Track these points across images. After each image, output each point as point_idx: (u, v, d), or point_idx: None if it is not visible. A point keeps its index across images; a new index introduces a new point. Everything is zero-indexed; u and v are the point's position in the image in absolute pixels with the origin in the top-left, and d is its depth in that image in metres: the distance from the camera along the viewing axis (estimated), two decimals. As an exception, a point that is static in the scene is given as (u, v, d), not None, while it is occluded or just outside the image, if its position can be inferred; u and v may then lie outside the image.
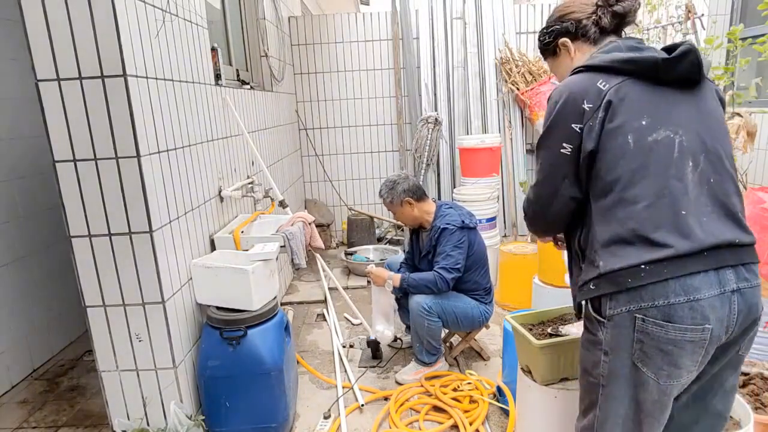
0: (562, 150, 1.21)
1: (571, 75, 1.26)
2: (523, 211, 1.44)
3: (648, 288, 1.11)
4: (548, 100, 1.27)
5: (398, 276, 2.57)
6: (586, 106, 1.17)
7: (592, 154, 1.18)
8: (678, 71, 1.17)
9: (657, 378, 1.14)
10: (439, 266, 2.48)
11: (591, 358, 1.23)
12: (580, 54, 1.35)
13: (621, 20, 1.31)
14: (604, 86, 1.17)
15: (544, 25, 1.42)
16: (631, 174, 1.14)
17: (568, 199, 1.26)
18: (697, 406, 1.28)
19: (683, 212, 1.12)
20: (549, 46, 1.41)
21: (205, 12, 2.52)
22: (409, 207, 2.62)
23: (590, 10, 1.33)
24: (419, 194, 2.64)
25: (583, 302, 1.27)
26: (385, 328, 2.70)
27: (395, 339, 2.93)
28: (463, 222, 2.52)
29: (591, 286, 1.19)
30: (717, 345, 1.14)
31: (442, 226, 2.53)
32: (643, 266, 1.11)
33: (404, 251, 2.98)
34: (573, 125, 1.19)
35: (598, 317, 1.19)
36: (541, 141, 1.29)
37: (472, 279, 2.59)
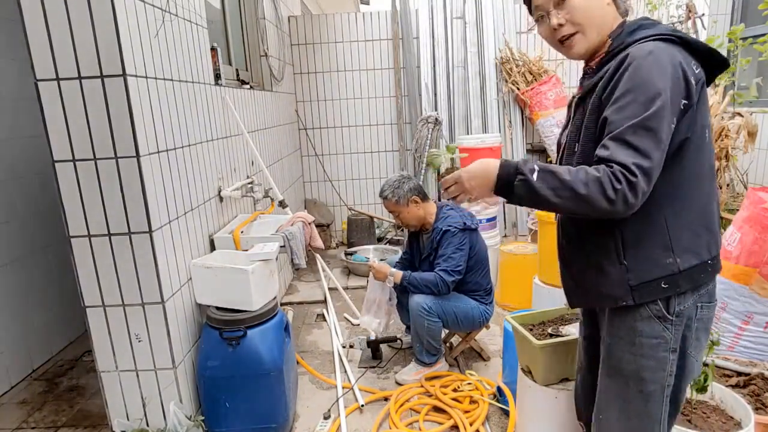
0: (671, 125, 1.06)
1: (657, 42, 1.10)
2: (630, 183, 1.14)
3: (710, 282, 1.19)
4: (643, 60, 1.07)
5: (400, 273, 2.56)
6: (692, 81, 1.07)
7: (683, 137, 1.09)
8: (714, 76, 1.19)
9: (697, 359, 1.21)
10: (441, 268, 2.48)
11: (657, 363, 1.17)
12: (610, 3, 1.20)
13: None
14: (697, 70, 1.10)
15: None
16: (708, 169, 1.15)
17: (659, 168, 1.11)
18: None
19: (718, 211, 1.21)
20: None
21: (204, 12, 2.52)
22: (415, 206, 2.60)
23: None
24: (424, 194, 2.64)
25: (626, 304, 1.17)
26: (372, 320, 2.67)
27: (395, 339, 2.93)
28: (464, 224, 2.52)
29: (663, 285, 1.13)
30: None
31: (444, 228, 2.52)
32: (709, 261, 1.16)
33: (403, 252, 2.97)
34: (682, 101, 1.07)
35: (666, 315, 1.15)
36: (645, 122, 1.05)
37: (473, 280, 2.59)
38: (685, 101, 1.07)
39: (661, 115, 1.03)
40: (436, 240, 2.56)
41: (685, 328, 1.17)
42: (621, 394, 1.23)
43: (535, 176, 1.08)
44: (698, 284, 1.16)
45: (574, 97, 1.28)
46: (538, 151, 5.02)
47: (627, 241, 1.15)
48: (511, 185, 1.10)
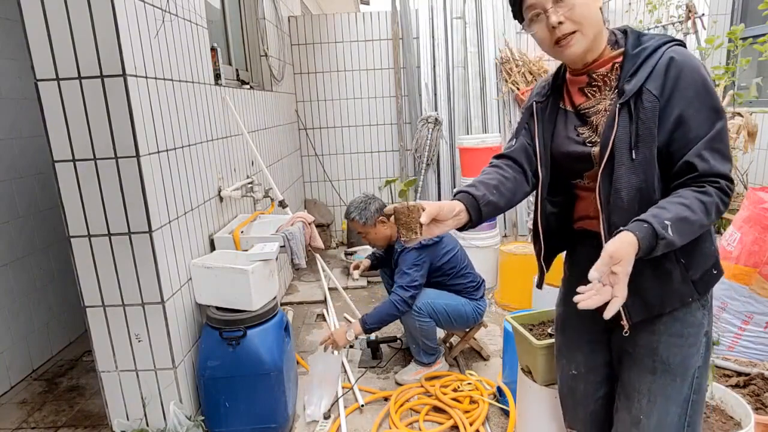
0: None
1: (679, 46, 1.13)
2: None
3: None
4: (698, 65, 1.11)
5: (356, 322, 2.52)
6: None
7: None
8: None
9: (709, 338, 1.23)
10: (396, 285, 2.49)
11: (697, 350, 1.20)
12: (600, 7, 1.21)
13: None
14: None
15: None
16: None
17: None
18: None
19: None
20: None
21: (204, 12, 2.52)
22: (382, 226, 2.61)
23: None
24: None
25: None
26: (317, 407, 2.33)
27: (395, 339, 2.93)
28: (420, 243, 2.49)
29: (714, 271, 1.20)
30: None
31: (399, 249, 2.55)
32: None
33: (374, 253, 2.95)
34: None
35: (707, 302, 1.21)
36: (718, 104, 1.12)
37: (454, 282, 2.60)
38: None
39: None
40: (395, 259, 2.58)
41: (710, 307, 1.23)
42: (669, 387, 1.20)
43: (670, 232, 1.02)
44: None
45: (611, 104, 1.18)
46: (538, 151, 5.02)
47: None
48: (653, 250, 1.03)
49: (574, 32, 1.16)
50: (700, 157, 1.05)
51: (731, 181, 1.06)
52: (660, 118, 1.09)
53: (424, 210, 1.14)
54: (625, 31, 1.22)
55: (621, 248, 1.00)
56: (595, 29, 1.17)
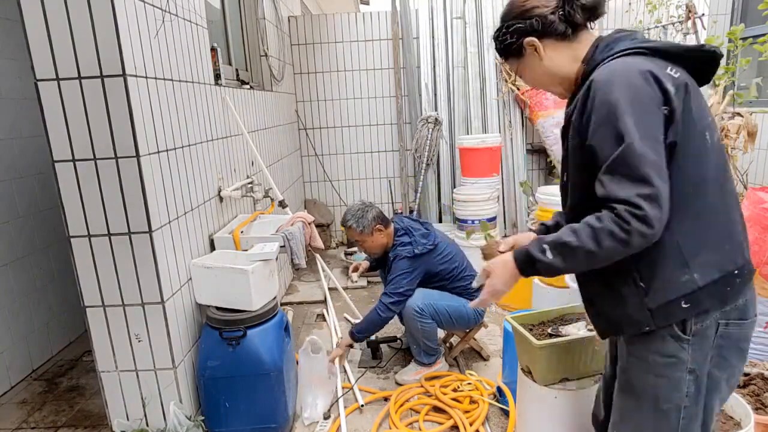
0: (659, 136, 1.03)
1: (623, 57, 1.09)
2: (644, 218, 1.13)
3: (739, 296, 1.11)
4: (606, 83, 1.06)
5: (346, 335, 2.57)
6: (670, 88, 1.03)
7: (673, 146, 1.05)
8: (709, 74, 1.15)
9: (728, 378, 1.14)
10: (383, 292, 2.51)
11: (669, 383, 1.12)
12: (555, 53, 1.20)
13: (591, 14, 1.19)
14: (676, 74, 1.06)
15: (502, 24, 1.25)
16: (712, 177, 1.08)
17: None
18: None
19: (738, 216, 1.15)
20: (511, 47, 1.24)
21: (204, 12, 2.52)
22: (379, 234, 2.59)
23: (554, 4, 1.18)
24: (386, 220, 2.63)
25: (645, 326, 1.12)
26: (315, 410, 2.33)
27: (395, 339, 2.93)
28: (414, 252, 2.50)
29: (683, 305, 1.07)
30: None
31: (392, 257, 2.56)
32: (735, 272, 1.08)
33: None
34: (662, 108, 1.04)
35: (682, 335, 1.09)
36: (626, 114, 1.03)
37: (456, 285, 2.60)
38: (665, 108, 1.03)
39: (642, 134, 1.00)
40: (389, 266, 2.58)
41: (705, 348, 1.10)
42: (635, 410, 1.19)
43: (549, 255, 1.09)
44: (724, 299, 1.08)
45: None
46: (538, 151, 5.02)
47: (642, 262, 1.10)
48: (535, 270, 1.14)
49: (544, 89, 1.29)
50: (599, 182, 1.05)
51: (638, 206, 0.98)
52: (581, 149, 1.11)
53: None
54: (596, 45, 1.18)
55: (494, 264, 1.25)
56: (554, 80, 1.24)
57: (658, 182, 0.99)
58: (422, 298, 2.49)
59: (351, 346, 2.60)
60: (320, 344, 2.50)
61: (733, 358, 1.13)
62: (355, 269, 2.90)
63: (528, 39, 1.20)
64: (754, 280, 1.18)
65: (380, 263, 2.85)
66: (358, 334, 2.53)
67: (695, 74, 1.11)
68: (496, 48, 1.29)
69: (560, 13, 1.17)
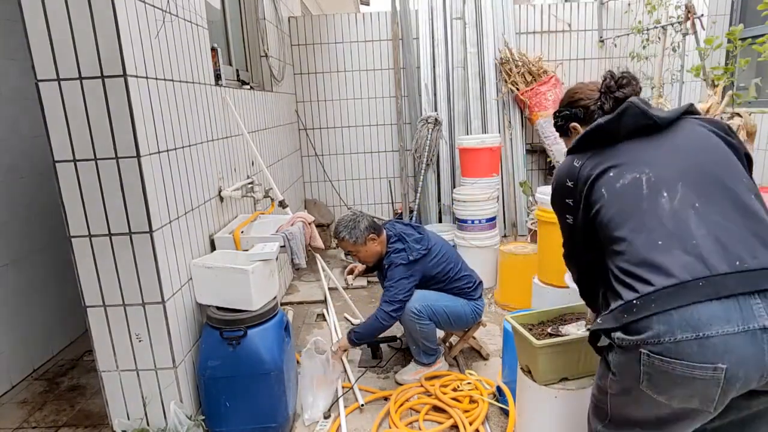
0: (567, 220, 1.40)
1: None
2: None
3: (651, 324, 1.07)
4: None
5: (343, 337, 2.56)
6: (569, 183, 1.34)
7: (590, 219, 1.29)
8: (625, 125, 1.28)
9: (670, 401, 1.10)
10: (382, 299, 2.50)
11: (602, 370, 1.26)
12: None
13: (620, 104, 1.35)
14: (577, 163, 1.33)
15: (557, 108, 1.55)
16: (611, 222, 1.22)
17: (585, 261, 1.41)
18: None
19: (660, 242, 1.12)
20: (563, 128, 1.54)
21: (205, 12, 2.52)
22: (373, 243, 2.57)
23: (596, 97, 1.43)
24: (378, 228, 2.61)
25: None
26: (313, 410, 2.33)
27: (395, 339, 2.93)
28: (408, 259, 2.49)
29: (599, 321, 1.22)
30: (742, 390, 1.05)
31: (386, 264, 2.55)
32: (634, 301, 1.11)
33: None
34: (567, 200, 1.37)
35: (610, 341, 1.19)
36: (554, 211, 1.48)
37: (453, 286, 2.60)
38: (570, 200, 1.36)
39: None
40: (385, 272, 2.58)
41: (629, 365, 1.12)
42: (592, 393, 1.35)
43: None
44: (621, 324, 1.12)
45: None
46: (537, 151, 5.03)
47: (601, 290, 1.36)
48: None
49: None
50: None
51: None
52: None
53: None
54: None
55: None
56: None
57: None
58: (420, 299, 2.49)
59: (346, 349, 2.60)
60: (325, 345, 2.51)
61: (669, 387, 1.08)
62: (351, 272, 2.90)
63: (572, 124, 1.49)
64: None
65: (376, 266, 2.85)
66: (356, 339, 2.52)
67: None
68: (554, 125, 1.58)
69: (599, 103, 1.43)
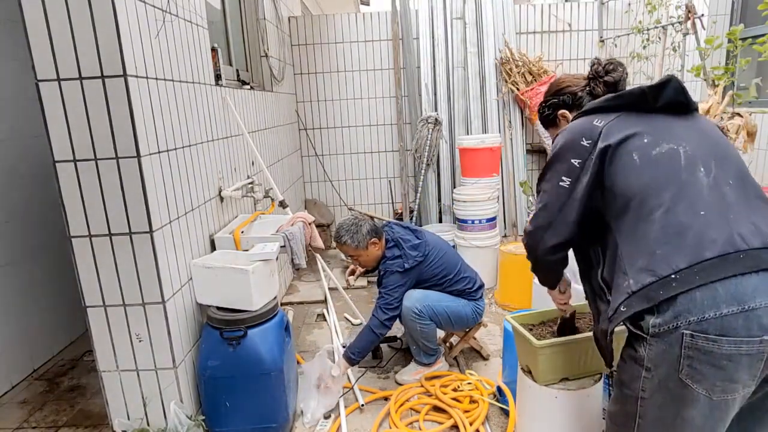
0: (561, 183, 1.30)
1: (571, 122, 1.36)
2: (525, 249, 1.48)
3: (694, 298, 1.04)
4: (552, 143, 1.37)
5: (341, 359, 2.45)
6: (585, 142, 1.26)
7: (598, 183, 1.24)
8: (665, 96, 1.25)
9: (710, 394, 1.07)
10: (375, 306, 2.48)
11: (629, 371, 1.18)
12: None
13: (613, 89, 1.40)
14: (599, 123, 1.27)
15: (543, 100, 1.55)
16: (643, 188, 1.17)
17: (570, 232, 1.31)
18: (745, 424, 1.19)
19: (702, 212, 1.11)
20: (549, 118, 1.54)
21: (205, 12, 2.52)
22: (374, 247, 2.55)
23: (583, 83, 1.47)
24: (379, 232, 2.58)
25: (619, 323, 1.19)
26: (313, 414, 2.33)
27: (395, 339, 2.93)
28: (404, 267, 2.47)
29: (622, 309, 1.14)
30: None
31: (382, 271, 2.54)
32: (673, 275, 1.07)
33: None
34: (572, 160, 1.28)
35: (639, 333, 1.13)
36: (541, 176, 1.38)
37: (453, 288, 2.58)
38: (577, 161, 1.27)
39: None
40: (380, 278, 2.57)
41: (668, 354, 1.08)
42: (615, 393, 1.28)
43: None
44: (657, 302, 1.07)
45: None
46: (538, 151, 5.03)
47: (606, 278, 1.27)
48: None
49: None
50: None
51: None
52: None
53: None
54: None
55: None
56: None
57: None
58: (421, 299, 2.48)
59: (344, 373, 2.49)
60: (334, 353, 2.50)
61: (710, 374, 1.06)
62: (352, 273, 2.88)
63: (561, 111, 1.50)
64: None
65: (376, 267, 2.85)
66: (354, 357, 2.43)
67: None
68: (539, 119, 1.57)
69: (587, 89, 1.45)
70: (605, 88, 1.41)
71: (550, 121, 1.56)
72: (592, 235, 1.31)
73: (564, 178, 1.29)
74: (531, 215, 1.41)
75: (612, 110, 1.29)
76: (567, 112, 1.49)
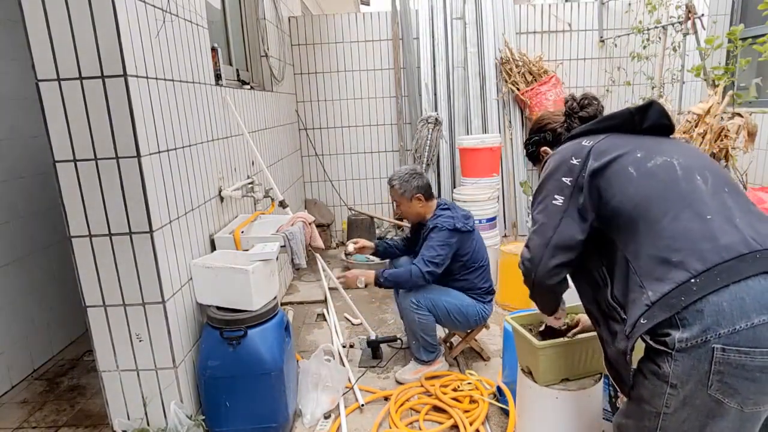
0: (554, 201, 1.31)
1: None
2: (523, 275, 1.47)
3: (722, 309, 1.01)
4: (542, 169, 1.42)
5: (371, 273, 2.58)
6: (574, 161, 1.29)
7: (592, 202, 1.24)
8: (650, 117, 1.30)
9: (742, 407, 1.04)
10: (418, 258, 2.50)
11: (651, 387, 1.12)
12: None
13: (588, 122, 1.42)
14: (588, 143, 1.31)
15: (527, 137, 1.65)
16: (645, 198, 1.18)
17: (564, 243, 1.29)
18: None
19: (709, 217, 1.11)
20: (534, 155, 1.63)
21: (205, 12, 2.52)
22: (418, 203, 2.64)
23: (562, 120, 1.53)
24: (429, 193, 2.67)
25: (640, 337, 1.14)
26: (312, 414, 2.32)
27: (395, 339, 2.93)
28: (454, 225, 2.51)
29: (642, 321, 1.09)
30: None
31: (431, 226, 2.56)
32: (693, 280, 1.04)
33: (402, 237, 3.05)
34: (563, 178, 1.30)
35: (663, 348, 1.07)
36: (533, 202, 1.41)
37: (468, 278, 2.60)
38: (568, 179, 1.28)
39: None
40: (425, 235, 2.60)
41: (695, 370, 1.04)
42: (629, 405, 1.24)
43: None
44: (680, 308, 1.04)
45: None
46: (538, 151, 5.02)
47: (618, 297, 1.21)
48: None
49: None
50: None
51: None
52: None
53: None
54: None
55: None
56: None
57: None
58: (421, 291, 2.51)
59: (365, 285, 2.60)
60: (332, 352, 2.50)
61: (743, 388, 1.02)
62: (356, 243, 2.86)
63: (543, 148, 1.57)
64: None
65: (389, 252, 2.89)
66: (384, 280, 2.52)
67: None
68: (526, 155, 1.67)
69: (565, 125, 1.50)
70: (581, 123, 1.44)
71: (535, 158, 1.64)
72: (594, 257, 1.29)
73: (557, 196, 1.30)
74: (527, 239, 1.42)
75: (600, 132, 1.34)
76: (548, 148, 1.55)
